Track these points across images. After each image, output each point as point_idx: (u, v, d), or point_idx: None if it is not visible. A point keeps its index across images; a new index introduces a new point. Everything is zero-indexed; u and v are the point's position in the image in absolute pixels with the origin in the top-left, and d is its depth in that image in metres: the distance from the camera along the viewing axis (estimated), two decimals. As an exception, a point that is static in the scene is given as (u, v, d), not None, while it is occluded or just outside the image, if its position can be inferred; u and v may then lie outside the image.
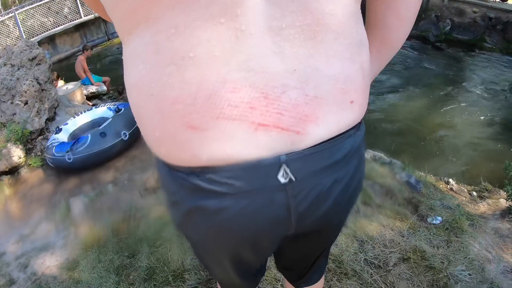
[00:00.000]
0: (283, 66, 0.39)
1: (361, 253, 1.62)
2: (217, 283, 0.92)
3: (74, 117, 3.25)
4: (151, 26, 0.39)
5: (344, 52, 0.43)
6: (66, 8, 7.45)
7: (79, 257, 1.78)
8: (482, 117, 4.40)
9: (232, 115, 0.39)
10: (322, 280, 0.90)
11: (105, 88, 5.27)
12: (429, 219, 2.06)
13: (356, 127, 0.48)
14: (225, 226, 0.46)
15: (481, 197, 2.65)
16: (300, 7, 0.39)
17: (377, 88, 5.19)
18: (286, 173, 0.42)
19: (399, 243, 1.71)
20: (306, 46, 0.40)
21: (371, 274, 1.48)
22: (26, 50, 3.16)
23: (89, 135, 2.78)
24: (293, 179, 0.42)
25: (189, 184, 0.44)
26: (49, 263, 1.83)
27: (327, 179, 0.45)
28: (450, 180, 3.00)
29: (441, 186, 2.91)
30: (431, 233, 1.83)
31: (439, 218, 2.04)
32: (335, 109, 0.43)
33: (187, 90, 0.39)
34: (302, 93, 0.40)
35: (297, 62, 0.40)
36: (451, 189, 2.91)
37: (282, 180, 0.42)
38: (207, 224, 0.47)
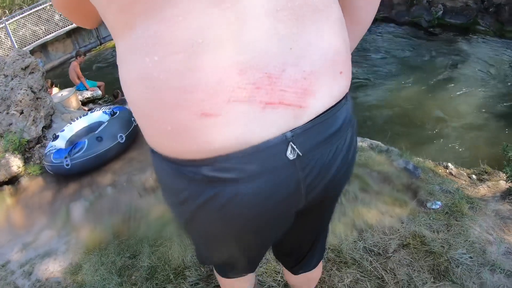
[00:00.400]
0: (280, 46, 0.42)
1: (360, 241, 1.62)
2: (217, 275, 0.93)
3: (70, 123, 3.25)
4: (154, 16, 0.39)
5: (330, 28, 0.46)
6: (56, 15, 7.42)
7: (81, 261, 1.79)
8: (479, 100, 4.39)
9: (241, 97, 0.40)
10: (320, 267, 0.90)
11: (100, 92, 5.27)
12: (428, 204, 2.06)
13: (346, 97, 0.52)
14: (241, 212, 0.47)
15: (481, 180, 2.65)
16: None
17: (372, 77, 5.18)
18: (294, 149, 0.45)
19: (398, 230, 1.71)
20: (298, 26, 0.43)
21: (371, 261, 1.48)
22: (18, 59, 3.16)
23: (86, 140, 2.78)
24: (300, 154, 0.45)
25: (201, 177, 0.44)
26: (52, 269, 1.84)
27: (329, 149, 0.49)
28: (449, 164, 2.99)
29: (440, 171, 2.91)
30: (431, 218, 1.83)
31: (439, 202, 2.04)
32: (328, 81, 0.46)
33: (198, 76, 0.39)
34: (299, 69, 0.43)
35: (291, 41, 0.42)
36: (450, 173, 2.91)
37: (291, 156, 0.45)
38: (223, 213, 0.47)
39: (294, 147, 0.44)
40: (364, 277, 1.44)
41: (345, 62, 0.49)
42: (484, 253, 1.46)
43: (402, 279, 1.40)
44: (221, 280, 0.89)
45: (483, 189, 2.37)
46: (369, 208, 1.97)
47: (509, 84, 4.70)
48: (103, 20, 0.45)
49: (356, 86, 4.97)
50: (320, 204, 0.59)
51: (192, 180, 0.45)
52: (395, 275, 1.42)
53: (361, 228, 1.75)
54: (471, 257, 1.44)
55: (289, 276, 0.93)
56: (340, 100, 0.49)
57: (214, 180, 0.44)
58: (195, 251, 0.82)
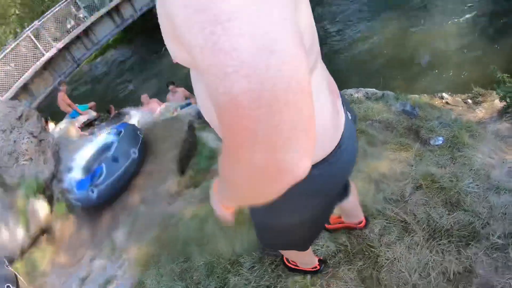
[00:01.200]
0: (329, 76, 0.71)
1: (379, 193, 1.77)
2: (298, 256, 1.27)
3: (78, 152, 3.35)
4: (315, 70, 0.60)
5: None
6: (23, 48, 7.23)
7: (142, 278, 1.93)
8: (461, 24, 4.37)
9: (338, 106, 0.72)
10: (351, 183, 1.26)
11: (94, 114, 5.31)
12: (431, 142, 2.19)
13: None
14: (349, 166, 0.78)
15: (476, 103, 2.75)
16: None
17: (352, 27, 5.12)
18: (348, 114, 0.78)
19: (409, 173, 1.85)
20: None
21: (392, 209, 1.65)
22: (11, 112, 3.20)
23: (103, 165, 2.89)
24: (352, 115, 0.85)
25: (327, 166, 0.67)
26: (118, 293, 2.01)
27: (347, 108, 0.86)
28: (444, 94, 3.09)
29: (436, 103, 3.01)
30: (436, 155, 1.97)
31: (441, 138, 2.17)
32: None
33: (330, 109, 0.64)
34: (336, 95, 0.74)
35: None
36: (447, 102, 3.01)
37: (350, 118, 0.80)
38: (344, 173, 0.78)
39: (348, 113, 0.77)
40: (390, 223, 1.61)
41: None
42: (489, 177, 1.60)
43: (422, 218, 1.57)
44: (303, 255, 1.23)
45: (480, 112, 2.49)
46: (379, 159, 2.10)
47: (488, 3, 4.63)
48: None
49: (338, 37, 4.93)
50: None
51: (324, 169, 0.67)
52: (415, 216, 1.59)
53: (377, 180, 1.90)
54: (477, 185, 1.58)
55: (346, 209, 1.32)
56: None
57: (332, 164, 0.68)
58: (300, 245, 1.08)
